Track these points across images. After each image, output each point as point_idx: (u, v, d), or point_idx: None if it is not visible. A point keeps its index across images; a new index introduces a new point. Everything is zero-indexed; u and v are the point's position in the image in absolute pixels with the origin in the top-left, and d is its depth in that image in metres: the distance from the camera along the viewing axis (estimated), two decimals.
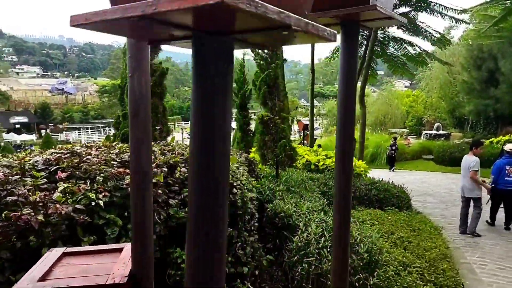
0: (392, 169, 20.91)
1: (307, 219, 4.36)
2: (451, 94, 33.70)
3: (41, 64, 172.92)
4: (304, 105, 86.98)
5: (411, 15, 14.72)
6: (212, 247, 0.97)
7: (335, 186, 2.31)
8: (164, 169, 3.60)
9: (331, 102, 55.56)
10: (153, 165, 3.61)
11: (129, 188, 3.16)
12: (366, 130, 31.96)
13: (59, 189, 2.84)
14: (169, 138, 6.22)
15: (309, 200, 5.75)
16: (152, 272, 2.06)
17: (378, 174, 15.07)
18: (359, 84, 16.00)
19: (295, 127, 45.00)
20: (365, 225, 6.32)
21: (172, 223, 3.47)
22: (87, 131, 66.35)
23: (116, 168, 3.31)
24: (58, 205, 2.69)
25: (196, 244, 0.97)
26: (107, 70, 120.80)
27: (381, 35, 16.25)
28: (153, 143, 4.62)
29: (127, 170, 3.38)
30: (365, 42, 15.58)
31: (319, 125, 60.04)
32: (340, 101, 2.24)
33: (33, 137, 59.93)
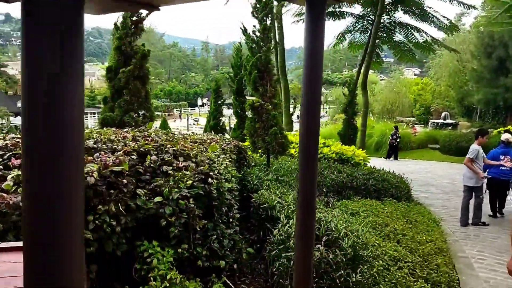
0: (391, 157, 20.60)
1: (289, 211, 4.13)
2: (460, 83, 32.97)
3: None
4: None
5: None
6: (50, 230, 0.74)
7: (299, 170, 2.07)
8: (133, 156, 3.39)
9: (338, 90, 54.79)
10: (120, 152, 3.39)
11: (88, 178, 2.96)
12: (372, 118, 31.55)
13: (9, 177, 2.63)
14: (156, 124, 5.99)
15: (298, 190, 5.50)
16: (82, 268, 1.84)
17: (382, 163, 14.76)
18: (362, 71, 15.61)
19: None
20: (357, 217, 6.10)
21: (139, 214, 3.27)
22: (94, 116, 66.67)
23: None
24: (5, 195, 2.49)
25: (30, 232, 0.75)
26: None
27: (387, 20, 15.73)
28: (128, 128, 4.41)
29: (90, 158, 3.18)
30: (370, 27, 15.09)
31: (326, 112, 59.44)
32: (305, 80, 1.99)
33: None
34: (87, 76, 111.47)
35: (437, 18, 14.86)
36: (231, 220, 3.96)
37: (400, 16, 15.83)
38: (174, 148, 3.77)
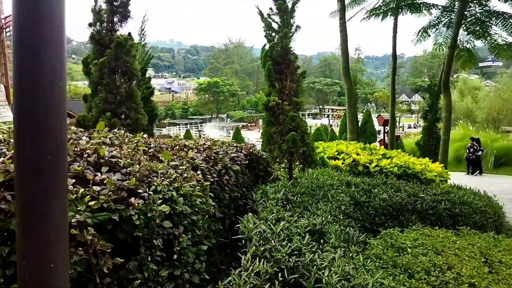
0: (476, 173, 18.18)
1: (262, 248, 2.85)
2: None
3: (153, 66, 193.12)
4: (403, 101, 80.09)
5: None
6: None
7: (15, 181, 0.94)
8: None
9: None
10: (6, 158, 2.51)
11: None
12: (472, 128, 27.38)
13: None
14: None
15: (313, 214, 4.13)
16: None
17: (475, 180, 12.17)
18: (444, 69, 13.05)
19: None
20: (401, 257, 4.50)
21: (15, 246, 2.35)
22: (186, 126, 71.15)
23: None
24: None
25: None
26: (206, 70, 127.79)
27: (479, 10, 13.01)
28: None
29: None
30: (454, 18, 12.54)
31: (417, 122, 54.43)
32: (15, 61, 0.87)
33: None
34: (183, 90, 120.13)
35: None
36: (177, 256, 2.83)
37: (496, 5, 13.04)
38: (99, 154, 2.79)
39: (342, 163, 7.18)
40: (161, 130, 67.19)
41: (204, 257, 3.24)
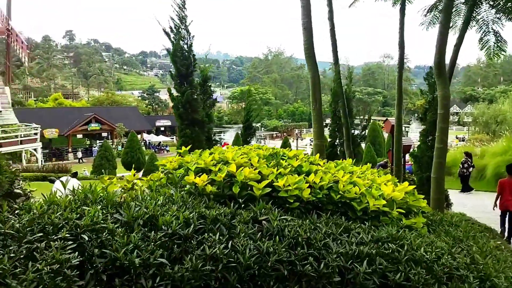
0: (469, 191, 16.82)
1: None
2: None
3: (197, 77, 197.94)
4: (453, 112, 73.28)
5: None
6: None
7: None
8: None
9: (482, 105, 43.94)
10: None
11: None
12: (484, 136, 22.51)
13: None
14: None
15: None
16: None
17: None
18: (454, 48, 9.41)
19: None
20: None
21: None
22: (219, 134, 70.66)
23: None
24: None
25: None
26: (245, 79, 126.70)
27: None
28: None
29: None
30: None
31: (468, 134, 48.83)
32: None
33: (170, 138, 66.04)
34: (225, 100, 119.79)
35: None
36: None
37: None
38: None
39: (211, 180, 4.20)
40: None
41: None
